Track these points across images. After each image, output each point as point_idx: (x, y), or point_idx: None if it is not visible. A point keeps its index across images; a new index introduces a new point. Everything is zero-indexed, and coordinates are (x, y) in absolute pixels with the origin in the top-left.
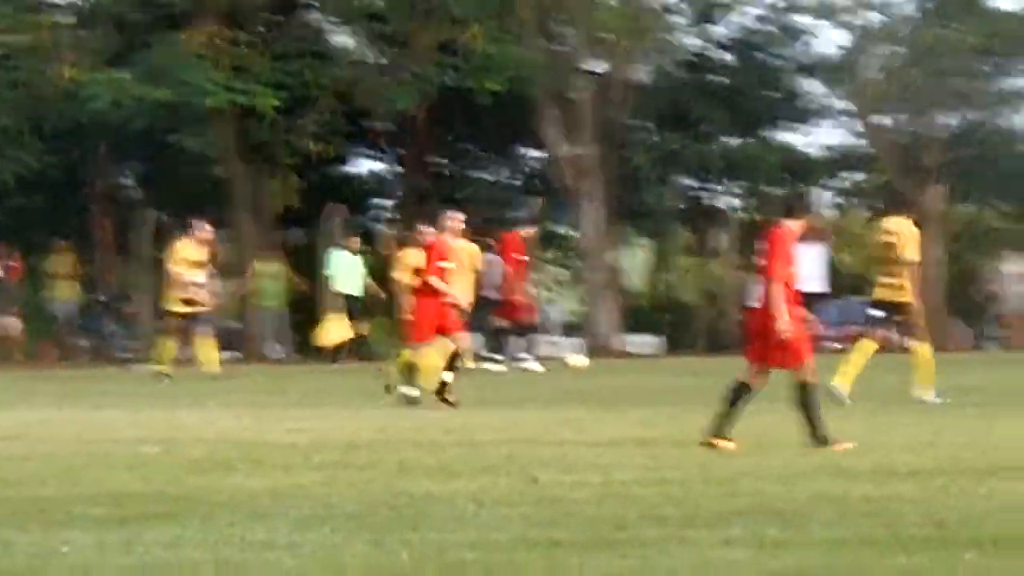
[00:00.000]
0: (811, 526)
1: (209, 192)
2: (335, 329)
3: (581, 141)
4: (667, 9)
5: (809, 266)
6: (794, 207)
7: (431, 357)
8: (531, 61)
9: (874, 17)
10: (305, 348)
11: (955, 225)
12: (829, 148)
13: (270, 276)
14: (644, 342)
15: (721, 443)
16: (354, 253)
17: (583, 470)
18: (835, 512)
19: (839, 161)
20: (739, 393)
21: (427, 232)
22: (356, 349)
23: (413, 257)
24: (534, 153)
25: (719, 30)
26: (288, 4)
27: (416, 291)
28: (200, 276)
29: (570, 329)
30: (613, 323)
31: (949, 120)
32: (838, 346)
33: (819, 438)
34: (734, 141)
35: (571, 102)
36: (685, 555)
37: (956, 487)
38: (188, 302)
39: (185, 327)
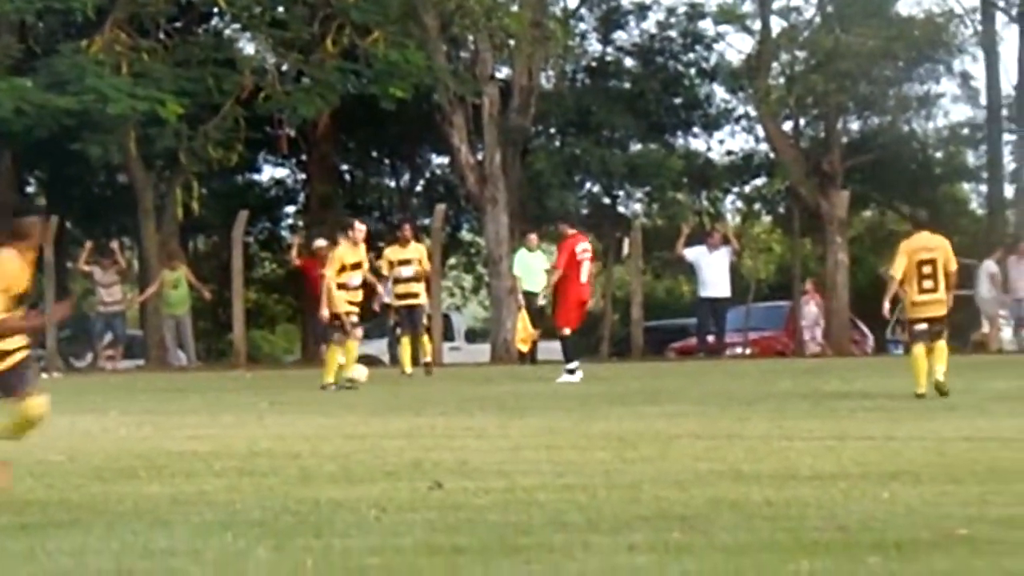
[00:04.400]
0: (714, 531)
1: (113, 199)
2: None
3: (485, 147)
4: (571, 15)
5: (715, 272)
6: None
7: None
8: (434, 67)
9: (776, 22)
10: (210, 355)
11: (857, 230)
12: (731, 154)
13: (173, 284)
14: (548, 348)
15: None
16: None
17: (486, 476)
18: (737, 516)
19: (742, 167)
20: None
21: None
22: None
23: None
24: (438, 159)
25: (622, 35)
26: (190, 11)
27: None
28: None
29: (474, 335)
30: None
31: (851, 125)
32: (740, 351)
33: None
34: (637, 147)
35: (475, 108)
36: (590, 560)
37: (858, 491)
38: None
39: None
